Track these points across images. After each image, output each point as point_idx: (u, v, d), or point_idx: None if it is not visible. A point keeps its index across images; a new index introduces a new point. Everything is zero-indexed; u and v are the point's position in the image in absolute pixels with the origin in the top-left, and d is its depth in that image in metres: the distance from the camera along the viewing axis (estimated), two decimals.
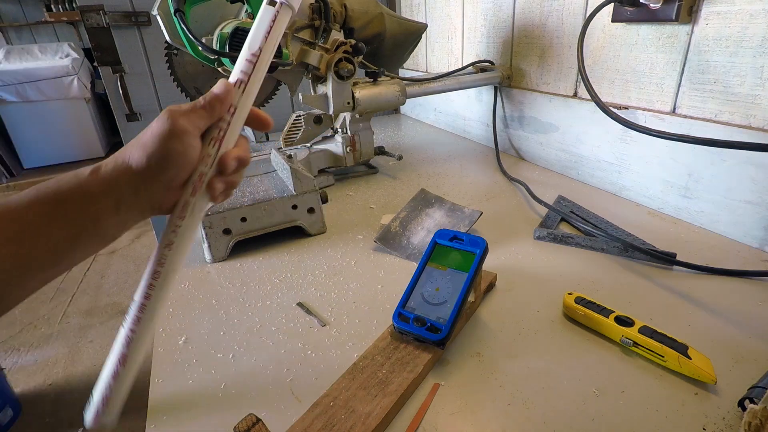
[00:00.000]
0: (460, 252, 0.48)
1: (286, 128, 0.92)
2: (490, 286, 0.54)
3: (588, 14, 0.70)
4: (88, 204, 0.28)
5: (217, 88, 0.32)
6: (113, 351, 0.29)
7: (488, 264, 0.55)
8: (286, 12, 0.34)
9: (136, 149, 0.29)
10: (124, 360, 0.29)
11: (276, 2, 0.34)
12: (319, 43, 0.79)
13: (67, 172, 0.29)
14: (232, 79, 0.33)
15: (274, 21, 0.33)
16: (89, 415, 0.28)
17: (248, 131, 1.11)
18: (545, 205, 0.71)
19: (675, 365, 0.39)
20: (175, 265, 0.31)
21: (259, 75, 0.33)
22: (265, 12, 0.34)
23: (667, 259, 0.55)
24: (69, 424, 1.37)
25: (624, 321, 0.43)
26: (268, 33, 0.33)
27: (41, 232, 0.27)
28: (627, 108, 0.71)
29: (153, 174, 0.29)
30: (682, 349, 0.39)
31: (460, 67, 1.04)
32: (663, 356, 0.40)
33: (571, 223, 0.67)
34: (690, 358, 0.38)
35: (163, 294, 0.31)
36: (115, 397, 0.29)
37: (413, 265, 0.60)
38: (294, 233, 0.70)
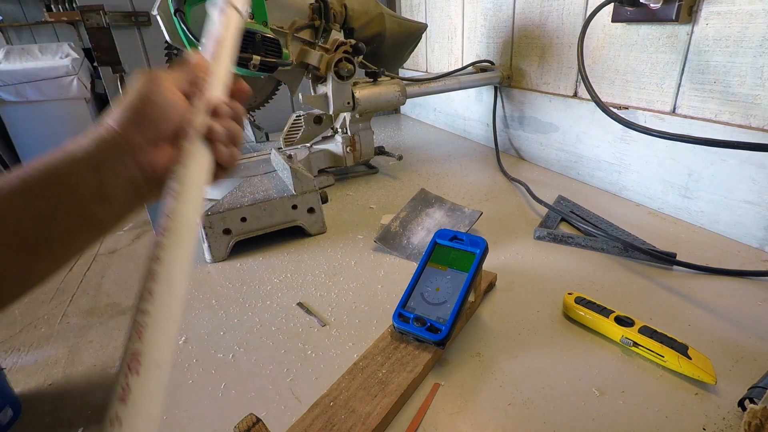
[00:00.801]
0: (460, 252, 0.48)
1: (286, 128, 0.92)
2: (490, 286, 0.54)
3: (588, 14, 0.70)
4: (60, 167, 0.25)
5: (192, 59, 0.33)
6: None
7: (488, 264, 0.55)
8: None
9: (116, 108, 0.28)
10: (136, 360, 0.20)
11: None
12: (319, 43, 0.79)
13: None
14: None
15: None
16: None
17: (248, 131, 1.11)
18: (545, 205, 0.71)
19: (675, 365, 0.39)
20: (185, 216, 0.26)
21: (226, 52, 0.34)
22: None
23: (667, 259, 0.55)
24: (69, 424, 1.37)
25: (624, 321, 0.43)
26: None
27: (6, 213, 0.23)
28: (627, 108, 0.71)
29: (134, 125, 0.27)
30: (682, 349, 0.39)
31: (460, 67, 1.04)
32: (663, 356, 0.40)
33: (571, 223, 0.67)
34: (690, 358, 0.38)
35: (178, 253, 0.24)
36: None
37: (413, 265, 0.60)
38: (294, 233, 0.70)
